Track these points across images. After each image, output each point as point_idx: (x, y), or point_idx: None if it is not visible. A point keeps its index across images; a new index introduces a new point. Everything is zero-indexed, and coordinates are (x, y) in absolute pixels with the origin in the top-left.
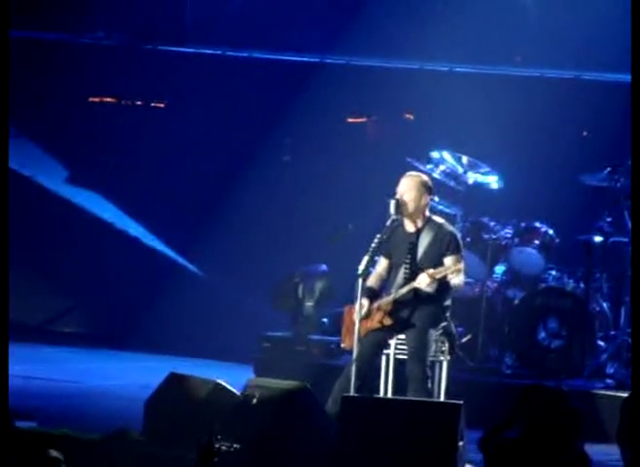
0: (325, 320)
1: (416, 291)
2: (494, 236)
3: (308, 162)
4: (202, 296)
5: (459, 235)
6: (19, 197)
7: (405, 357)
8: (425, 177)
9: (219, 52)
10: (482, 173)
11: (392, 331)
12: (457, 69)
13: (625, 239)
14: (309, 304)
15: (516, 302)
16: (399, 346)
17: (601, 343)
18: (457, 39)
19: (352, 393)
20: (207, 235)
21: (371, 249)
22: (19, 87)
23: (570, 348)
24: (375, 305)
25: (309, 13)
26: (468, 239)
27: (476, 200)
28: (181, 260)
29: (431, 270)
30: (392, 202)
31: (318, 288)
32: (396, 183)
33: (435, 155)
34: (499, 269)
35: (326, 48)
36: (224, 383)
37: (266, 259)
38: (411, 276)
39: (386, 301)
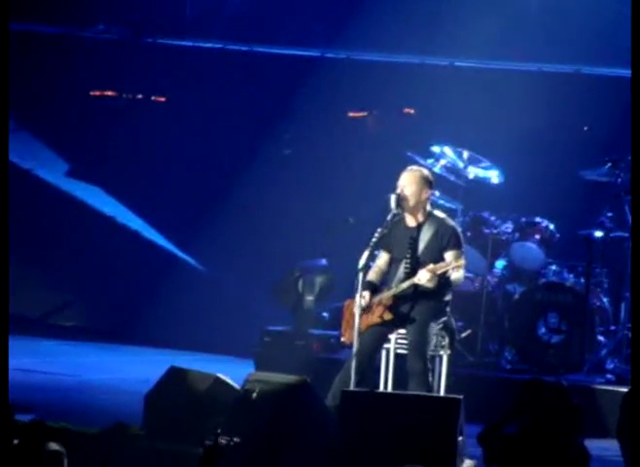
0: (325, 314)
1: (417, 286)
2: (494, 231)
3: (309, 157)
4: (202, 290)
5: (460, 230)
6: (20, 190)
7: (405, 352)
8: (426, 171)
9: (219, 46)
10: (483, 168)
11: (392, 325)
12: (458, 64)
13: (626, 234)
14: (310, 298)
15: (517, 296)
16: (399, 341)
17: (601, 339)
18: (458, 33)
19: (352, 388)
20: (207, 229)
21: (371, 243)
22: (20, 80)
23: (570, 343)
24: (376, 299)
25: (310, 7)
26: (468, 234)
27: (476, 195)
28: (181, 254)
29: (431, 266)
30: (393, 197)
31: (318, 282)
32: (397, 177)
33: (435, 149)
34: (499, 263)
35: (327, 42)
36: (224, 377)
37: (266, 253)
38: (412, 271)
39: (387, 295)
